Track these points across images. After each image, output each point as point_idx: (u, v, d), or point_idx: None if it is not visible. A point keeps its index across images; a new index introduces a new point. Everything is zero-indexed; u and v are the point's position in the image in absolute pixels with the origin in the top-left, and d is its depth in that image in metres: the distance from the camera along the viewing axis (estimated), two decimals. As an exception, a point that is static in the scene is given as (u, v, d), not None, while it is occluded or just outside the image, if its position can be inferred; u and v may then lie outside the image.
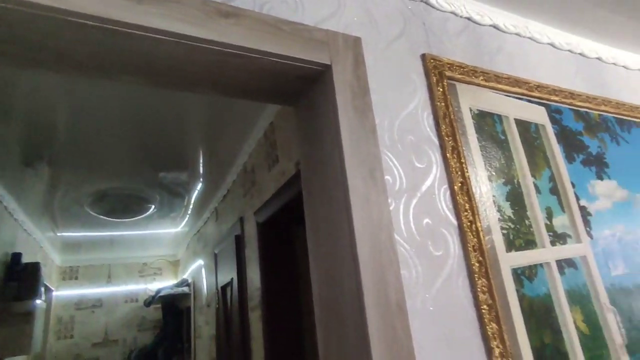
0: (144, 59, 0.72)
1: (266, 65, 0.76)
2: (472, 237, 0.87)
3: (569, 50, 1.42)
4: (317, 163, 0.82)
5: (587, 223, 1.11)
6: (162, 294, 4.27)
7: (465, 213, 0.89)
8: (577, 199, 1.13)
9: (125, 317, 4.76)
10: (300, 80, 0.82)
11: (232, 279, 2.24)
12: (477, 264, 0.85)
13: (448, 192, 0.89)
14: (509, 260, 0.92)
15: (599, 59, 1.51)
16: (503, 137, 1.07)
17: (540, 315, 0.91)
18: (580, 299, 1.00)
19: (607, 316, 1.02)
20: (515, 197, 1.01)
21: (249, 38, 0.73)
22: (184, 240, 4.49)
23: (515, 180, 1.03)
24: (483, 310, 0.82)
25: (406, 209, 0.81)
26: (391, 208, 0.78)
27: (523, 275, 0.93)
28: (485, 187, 0.96)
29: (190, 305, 4.08)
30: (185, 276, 4.51)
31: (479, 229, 0.88)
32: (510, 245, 0.94)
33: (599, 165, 1.25)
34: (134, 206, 2.82)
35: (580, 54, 1.45)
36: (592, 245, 1.09)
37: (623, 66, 1.60)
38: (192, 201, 3.05)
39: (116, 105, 1.77)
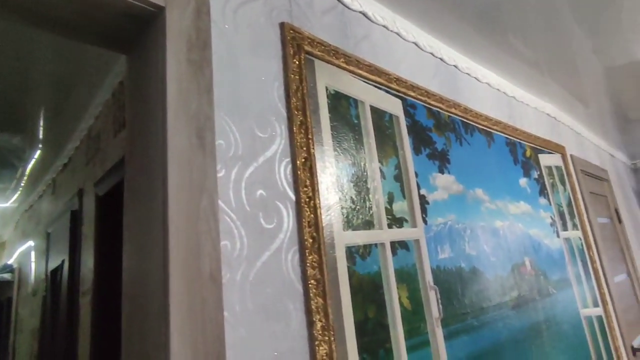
0: None
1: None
2: (309, 213, 0.88)
3: (431, 54, 1.54)
4: (141, 120, 0.73)
5: (424, 210, 1.22)
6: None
7: (305, 189, 0.89)
8: (419, 188, 1.23)
9: None
10: (130, 20, 0.72)
11: (63, 260, 1.98)
12: (310, 240, 0.86)
13: (290, 167, 0.88)
14: (344, 239, 0.94)
15: (455, 66, 1.68)
16: (356, 121, 1.10)
17: (367, 292, 0.96)
18: (408, 277, 1.08)
19: (430, 294, 1.13)
20: (360, 180, 1.05)
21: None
22: (12, 218, 3.82)
23: (362, 164, 1.07)
24: (310, 285, 0.83)
25: (239, 176, 0.77)
26: (220, 174, 0.74)
27: (357, 253, 0.97)
28: (330, 166, 0.97)
29: (12, 296, 3.51)
30: (10, 261, 3.85)
31: (317, 205, 0.89)
32: (349, 225, 0.97)
33: (442, 161, 1.38)
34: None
35: (440, 58, 1.59)
36: (426, 230, 1.19)
37: (475, 77, 1.80)
38: (27, 172, 2.60)
39: None
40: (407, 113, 1.30)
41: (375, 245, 1.02)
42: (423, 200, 1.23)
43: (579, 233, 2.13)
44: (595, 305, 1.98)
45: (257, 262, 0.76)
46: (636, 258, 2.94)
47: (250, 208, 0.78)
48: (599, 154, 3.13)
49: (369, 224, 1.02)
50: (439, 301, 1.14)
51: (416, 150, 1.28)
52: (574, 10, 1.77)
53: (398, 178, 1.17)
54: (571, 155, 2.45)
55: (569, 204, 2.17)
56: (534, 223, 1.77)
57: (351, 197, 1.00)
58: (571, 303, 1.79)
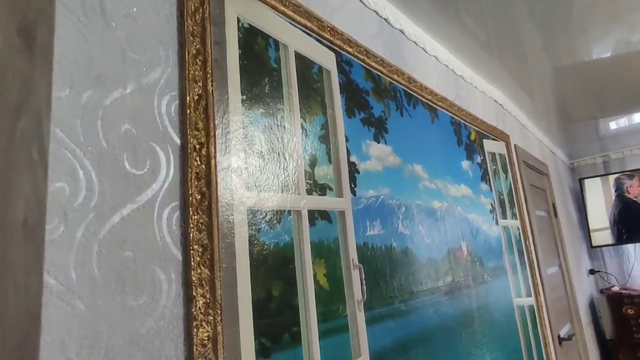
0: None
1: None
2: (198, 163, 0.70)
3: (375, 11, 1.40)
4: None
5: (353, 179, 1.08)
6: None
7: (196, 133, 0.71)
8: (348, 154, 1.09)
9: None
10: None
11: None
12: (197, 196, 0.69)
13: (176, 103, 0.70)
14: (247, 200, 0.78)
15: (402, 32, 1.55)
16: (275, 66, 0.93)
17: (274, 265, 0.80)
18: (328, 253, 0.94)
19: (353, 273, 0.99)
20: (275, 133, 0.88)
21: None
22: None
23: (280, 116, 0.91)
24: (192, 251, 0.66)
25: (94, 102, 0.58)
26: (62, 94, 0.54)
27: (264, 219, 0.80)
28: (235, 112, 0.80)
29: None
30: None
31: (212, 155, 0.72)
32: (255, 184, 0.81)
33: (379, 129, 1.25)
34: None
35: (385, 19, 1.45)
36: (354, 202, 1.06)
37: (422, 48, 1.69)
38: None
39: None
40: (341, 69, 1.15)
41: (289, 212, 0.87)
42: (353, 168, 1.09)
43: (517, 223, 2.12)
44: (528, 295, 1.97)
45: (113, 216, 0.58)
46: (568, 252, 3.03)
47: (109, 145, 0.59)
48: (541, 149, 3.20)
49: (282, 187, 0.87)
50: (364, 282, 1.01)
51: (349, 112, 1.14)
52: (528, 5, 1.72)
53: (324, 139, 1.02)
54: (515, 145, 2.45)
55: (510, 193, 2.14)
56: (474, 208, 1.70)
57: (261, 151, 0.84)
58: (505, 292, 1.75)
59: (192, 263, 0.65)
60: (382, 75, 1.34)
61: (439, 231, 1.40)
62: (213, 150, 0.72)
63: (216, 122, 0.75)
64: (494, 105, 2.34)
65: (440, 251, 1.37)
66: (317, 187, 0.96)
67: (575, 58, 2.30)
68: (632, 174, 3.80)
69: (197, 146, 0.71)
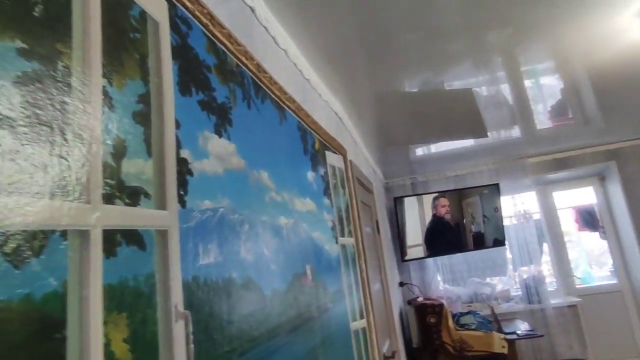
0: None
1: None
2: None
3: (223, -29, 1.12)
4: None
5: (183, 184, 0.76)
6: None
7: None
8: (179, 145, 0.77)
9: None
10: None
11: None
12: None
13: None
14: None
15: (252, 10, 1.31)
16: (59, -21, 0.56)
17: (18, 341, 0.42)
18: (135, 301, 0.59)
19: (174, 327, 0.67)
20: (48, 93, 0.51)
21: None
22: None
23: (61, 65, 0.53)
24: None
25: None
26: None
27: (1, 250, 0.42)
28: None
29: None
30: None
31: None
32: (-10, 181, 0.42)
33: (221, 118, 0.96)
34: None
35: (235, -14, 1.19)
36: (183, 216, 0.73)
37: (273, 37, 1.49)
38: None
39: None
40: (175, 27, 0.83)
41: (63, 234, 0.50)
42: (184, 167, 0.77)
43: (352, 240, 2.10)
44: (362, 316, 1.94)
45: None
46: (387, 268, 3.27)
47: None
48: (368, 166, 3.40)
49: (55, 188, 0.49)
50: (191, 337, 0.69)
51: (183, 88, 0.82)
52: (361, 29, 1.74)
53: (142, 119, 0.68)
54: (350, 161, 2.48)
55: (347, 209, 2.12)
56: (318, 225, 1.56)
57: (13, 119, 0.45)
58: (343, 317, 1.66)
59: None
60: (228, 53, 1.06)
61: (285, 254, 1.18)
62: None
63: None
64: (334, 117, 2.31)
65: (285, 279, 1.15)
66: (123, 192, 0.61)
67: (392, 88, 2.52)
68: (442, 194, 4.47)
69: None
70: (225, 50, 1.05)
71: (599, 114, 3.64)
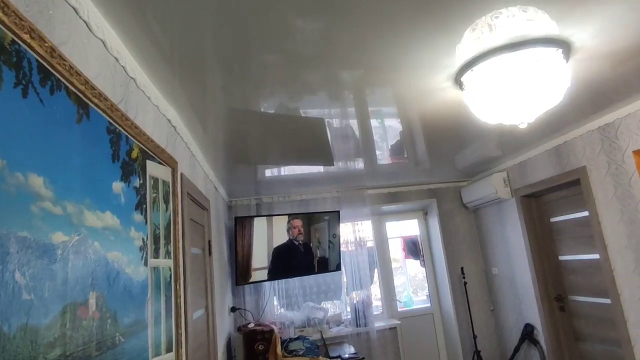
0: None
1: None
2: None
3: None
4: None
5: None
6: None
7: None
8: None
9: None
10: None
11: None
12: None
13: None
14: None
15: (55, -17, 1.12)
16: None
17: None
18: None
19: None
20: None
21: None
22: None
23: None
24: None
25: None
26: None
27: None
28: None
29: None
30: None
31: None
32: None
33: (-34, 103, 0.76)
34: None
35: (25, -54, 0.99)
36: None
37: (85, 21, 1.30)
38: None
39: None
40: None
41: None
42: None
43: (170, 262, 1.93)
44: (169, 350, 1.77)
45: None
46: (216, 292, 3.14)
47: None
48: (206, 183, 3.26)
49: None
50: None
51: None
52: (217, 40, 1.68)
53: None
54: (182, 174, 2.32)
55: (167, 227, 1.95)
56: (119, 244, 1.38)
57: None
58: (141, 353, 1.48)
59: None
60: (2, 26, 0.86)
61: (53, 280, 0.99)
62: None
63: None
64: (166, 125, 2.15)
65: (49, 311, 0.96)
66: None
67: (247, 105, 2.48)
68: (295, 216, 4.55)
69: None
70: (-7, 19, 0.85)
71: (426, 157, 4.21)
